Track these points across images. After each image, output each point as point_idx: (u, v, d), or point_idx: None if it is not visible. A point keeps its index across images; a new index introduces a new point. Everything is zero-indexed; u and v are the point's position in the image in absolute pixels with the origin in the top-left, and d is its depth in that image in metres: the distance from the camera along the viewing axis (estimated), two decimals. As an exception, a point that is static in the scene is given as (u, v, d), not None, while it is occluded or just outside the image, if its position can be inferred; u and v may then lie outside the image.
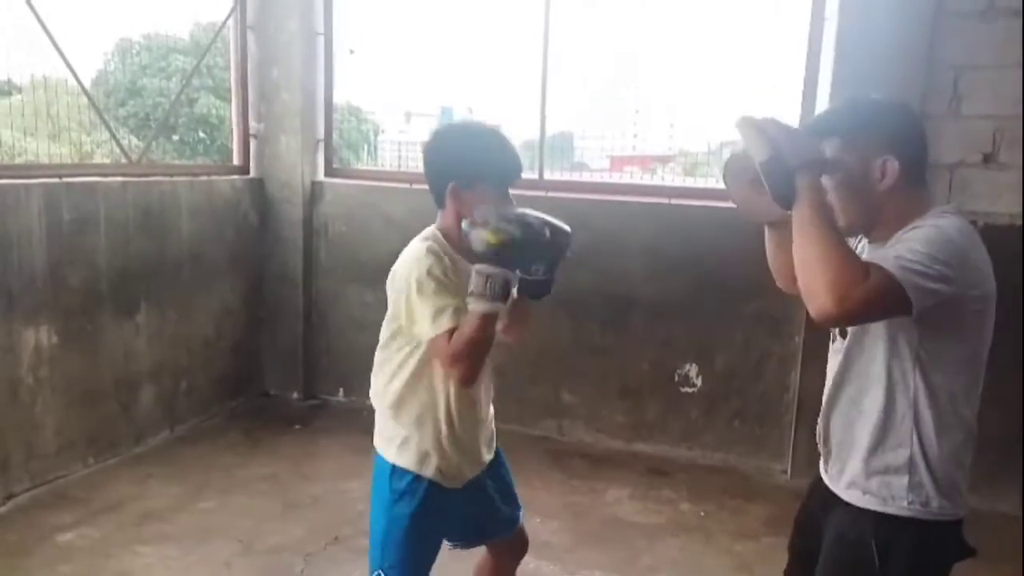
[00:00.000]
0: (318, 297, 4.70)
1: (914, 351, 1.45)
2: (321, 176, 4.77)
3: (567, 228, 1.77)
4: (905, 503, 1.49)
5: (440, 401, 1.84)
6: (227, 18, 4.53)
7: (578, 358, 4.27)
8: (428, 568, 1.92)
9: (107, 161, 4.45)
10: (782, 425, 3.98)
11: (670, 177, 4.76)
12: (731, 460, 4.08)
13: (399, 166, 5.24)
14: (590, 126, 5.73)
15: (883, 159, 1.47)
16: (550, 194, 4.31)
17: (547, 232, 1.67)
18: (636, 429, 4.22)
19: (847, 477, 1.57)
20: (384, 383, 1.88)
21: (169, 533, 3.18)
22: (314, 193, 4.71)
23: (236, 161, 4.70)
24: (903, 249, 1.37)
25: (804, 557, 1.72)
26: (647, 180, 4.59)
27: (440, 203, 1.83)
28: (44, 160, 3.79)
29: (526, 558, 3.03)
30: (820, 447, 1.67)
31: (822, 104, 3.75)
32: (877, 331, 1.49)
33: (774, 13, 4.21)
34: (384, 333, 1.88)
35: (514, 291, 1.71)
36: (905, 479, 1.49)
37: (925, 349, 1.45)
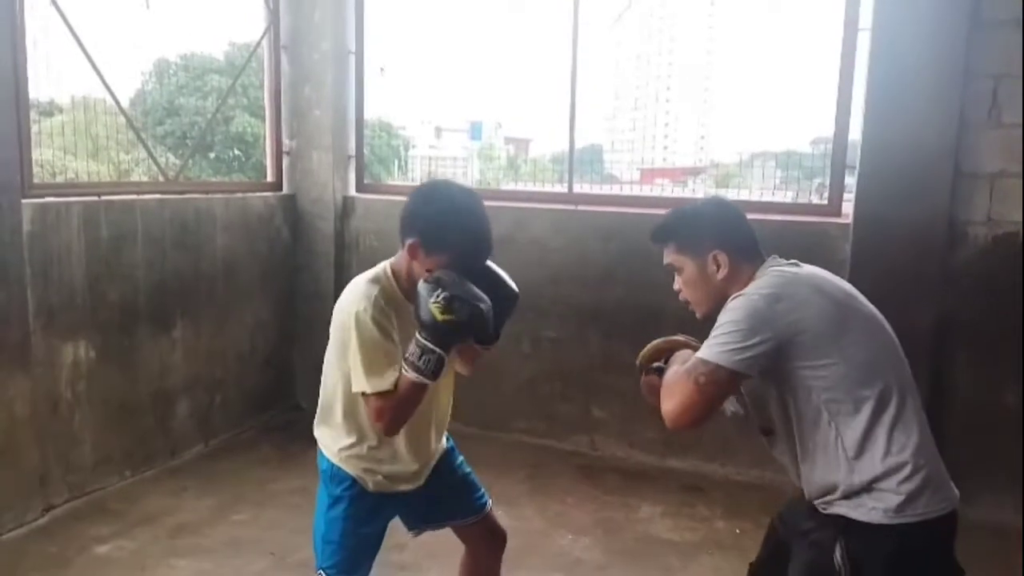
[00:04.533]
0: (349, 311, 4.72)
1: (800, 393, 1.58)
2: (352, 191, 4.82)
3: (514, 289, 1.89)
4: (866, 509, 1.54)
5: (375, 436, 1.91)
6: (261, 38, 4.62)
7: (609, 373, 4.23)
8: (368, 562, 2.02)
9: (145, 179, 4.55)
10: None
11: (701, 189, 4.73)
12: (767, 476, 4.00)
13: (429, 181, 5.27)
14: (620, 139, 5.72)
15: (712, 254, 1.72)
16: (579, 207, 4.31)
17: (488, 314, 1.69)
18: (669, 445, 4.17)
19: (818, 500, 1.66)
20: (332, 410, 1.97)
21: (203, 546, 3.20)
22: (345, 208, 4.76)
23: (269, 178, 4.77)
24: (714, 330, 1.59)
25: (776, 556, 1.81)
26: (678, 192, 4.56)
27: (403, 243, 1.83)
28: (84, 178, 3.87)
29: (558, 575, 3.02)
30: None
31: (856, 116, 3.70)
32: (772, 394, 1.66)
33: (807, 24, 4.17)
34: (332, 374, 1.92)
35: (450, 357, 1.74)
36: (864, 495, 1.55)
37: (810, 383, 1.56)
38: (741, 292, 1.61)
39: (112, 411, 3.67)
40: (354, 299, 1.80)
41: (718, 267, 1.71)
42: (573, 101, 4.35)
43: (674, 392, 1.58)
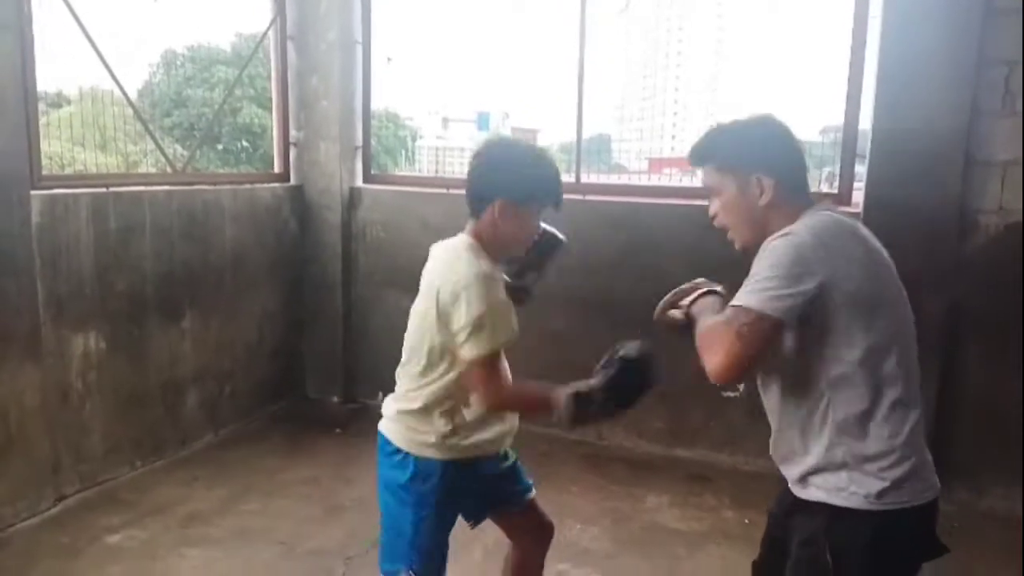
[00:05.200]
0: (357, 301, 4.74)
1: (812, 353, 1.50)
2: (359, 182, 4.81)
3: (562, 238, 1.97)
4: (847, 493, 1.50)
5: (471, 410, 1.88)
6: (267, 29, 4.61)
7: (617, 362, 4.23)
8: (446, 551, 1.98)
9: (153, 170, 4.56)
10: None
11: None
12: (775, 466, 3.99)
13: (436, 171, 5.27)
14: (628, 128, 5.71)
15: (756, 177, 1.57)
16: (587, 197, 4.29)
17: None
18: (676, 434, 4.17)
19: (794, 476, 1.63)
20: (420, 389, 1.89)
21: (213, 535, 3.23)
22: (352, 199, 4.76)
23: (277, 168, 4.77)
24: (753, 274, 1.48)
25: (773, 553, 1.77)
26: (686, 182, 4.54)
27: (477, 213, 1.83)
28: (92, 170, 3.88)
29: (565, 565, 3.03)
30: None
31: (866, 105, 3.67)
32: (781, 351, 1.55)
33: (816, 12, 4.13)
34: (429, 355, 1.84)
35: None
36: (843, 473, 1.51)
37: (823, 344, 1.48)
38: (785, 231, 1.48)
39: (122, 401, 3.69)
40: (465, 266, 1.76)
41: (761, 191, 1.57)
42: (581, 91, 4.33)
43: (714, 346, 1.45)
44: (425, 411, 1.87)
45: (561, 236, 1.97)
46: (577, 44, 4.29)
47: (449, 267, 1.80)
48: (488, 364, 1.75)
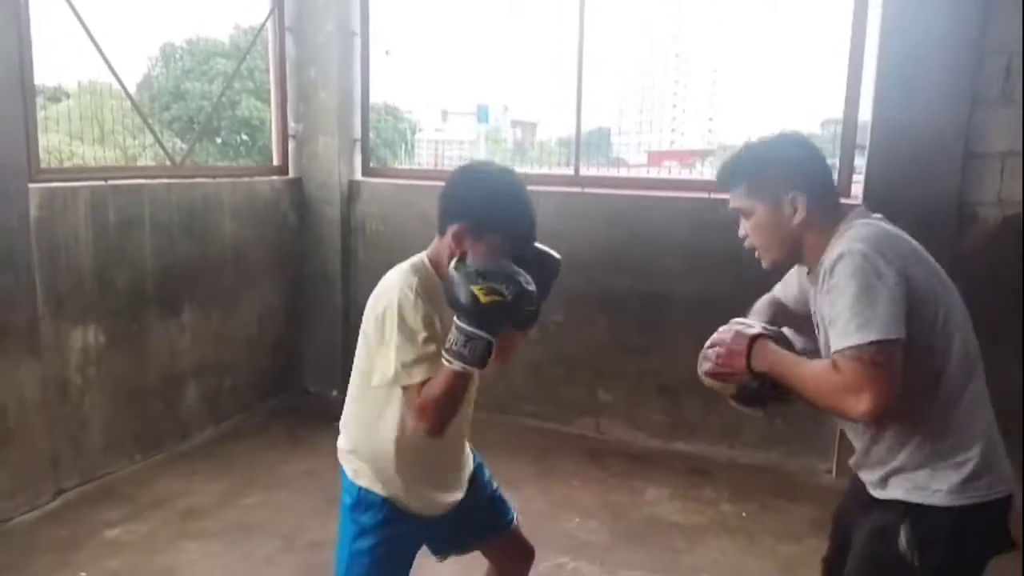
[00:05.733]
0: (357, 295, 4.74)
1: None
2: (358, 175, 4.81)
3: (557, 258, 1.78)
4: (928, 491, 1.49)
5: (408, 445, 1.76)
6: (265, 20, 4.59)
7: (615, 356, 4.23)
8: None
9: (152, 164, 4.55)
10: (826, 423, 3.90)
11: (710, 171, 4.70)
12: (773, 459, 4.00)
13: (436, 164, 5.26)
14: (628, 121, 5.69)
15: (790, 195, 1.56)
16: (586, 190, 4.28)
17: (533, 291, 1.57)
18: (675, 427, 4.17)
19: (874, 479, 1.60)
20: (363, 416, 1.83)
21: (213, 529, 3.23)
22: (352, 192, 4.75)
23: (275, 161, 4.76)
24: (839, 312, 1.41)
25: (842, 549, 1.73)
26: (686, 175, 4.53)
27: (441, 231, 1.74)
28: (92, 164, 3.88)
29: (564, 557, 3.04)
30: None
31: (866, 97, 3.66)
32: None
33: (816, 3, 4.12)
34: (366, 369, 1.76)
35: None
36: (924, 471, 1.50)
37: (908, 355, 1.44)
38: (839, 253, 1.45)
39: (121, 395, 3.70)
40: (393, 287, 1.69)
41: (795, 211, 1.56)
42: (580, 83, 4.32)
43: (853, 390, 1.38)
44: (375, 433, 1.80)
45: (557, 256, 1.82)
46: (576, 36, 4.27)
47: (383, 285, 1.75)
48: (413, 390, 1.63)
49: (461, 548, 2.05)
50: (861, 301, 1.39)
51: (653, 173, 4.66)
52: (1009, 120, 3.36)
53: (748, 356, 1.59)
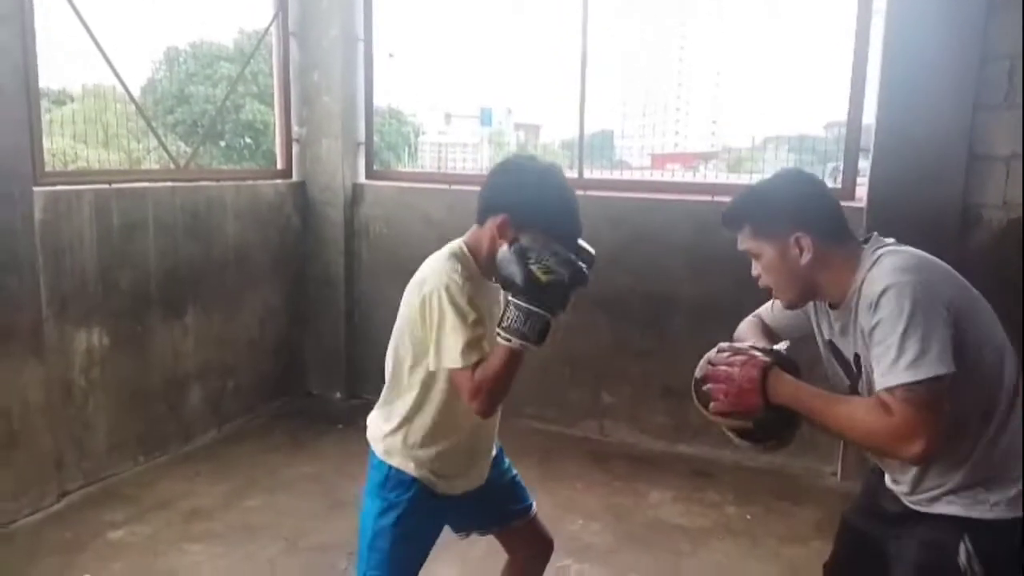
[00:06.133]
0: (360, 297, 4.74)
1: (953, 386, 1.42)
2: (362, 178, 4.81)
3: (591, 251, 1.85)
4: (988, 505, 1.45)
5: (451, 426, 1.82)
6: (269, 25, 4.60)
7: (618, 358, 4.23)
8: (415, 572, 1.91)
9: (156, 167, 4.56)
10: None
11: (713, 174, 4.70)
12: (778, 462, 3.99)
13: (439, 167, 5.27)
14: (631, 124, 5.69)
15: (795, 237, 1.52)
16: (589, 193, 4.28)
17: (584, 271, 1.65)
18: (679, 430, 4.16)
19: (919, 498, 1.54)
20: (399, 400, 1.87)
21: (216, 531, 3.23)
22: (355, 195, 4.76)
23: (279, 165, 4.77)
24: (888, 346, 1.37)
25: (853, 558, 1.70)
26: (689, 177, 4.53)
27: (481, 221, 1.78)
28: (96, 167, 3.89)
29: (568, 560, 3.03)
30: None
31: (870, 99, 3.66)
32: None
33: (821, 6, 4.12)
34: (405, 364, 1.81)
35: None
36: (979, 488, 1.46)
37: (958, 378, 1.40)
38: (882, 288, 1.39)
39: (125, 397, 3.70)
40: (437, 273, 1.71)
41: (801, 251, 1.52)
42: (583, 86, 4.32)
43: (906, 433, 1.35)
44: (410, 416, 1.85)
45: (591, 250, 1.87)
46: (580, 39, 4.28)
47: (424, 271, 1.77)
48: (467, 372, 1.65)
49: (482, 529, 2.08)
50: (912, 336, 1.35)
51: (656, 176, 4.65)
52: (1012, 124, 3.35)
53: (763, 391, 1.53)
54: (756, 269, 1.62)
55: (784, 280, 1.58)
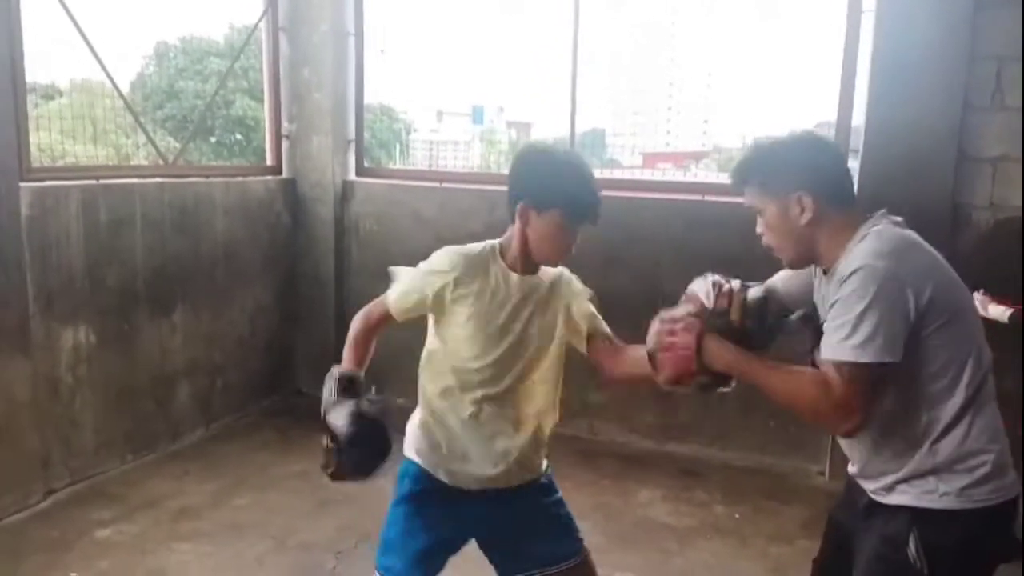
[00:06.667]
0: (350, 295, 4.73)
1: (907, 376, 1.46)
2: (352, 176, 4.80)
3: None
4: (937, 495, 1.48)
5: (438, 391, 1.88)
6: (259, 20, 4.58)
7: (610, 357, 4.23)
8: (415, 548, 1.85)
9: (145, 163, 4.53)
10: (819, 425, 3.90)
11: (704, 173, 4.71)
12: (766, 461, 4.01)
13: (430, 164, 5.25)
14: (622, 123, 5.69)
15: (796, 195, 1.54)
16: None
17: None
18: (668, 429, 4.17)
19: (877, 486, 1.58)
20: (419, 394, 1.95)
21: (204, 529, 3.22)
22: (345, 192, 4.74)
23: (269, 161, 4.75)
24: (843, 323, 1.42)
25: (837, 552, 1.72)
26: (680, 177, 4.54)
27: (512, 217, 1.80)
28: (84, 162, 3.86)
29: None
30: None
31: (860, 99, 3.67)
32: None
33: (810, 7, 4.13)
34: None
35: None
36: (932, 477, 1.48)
37: (915, 370, 1.46)
38: (855, 267, 1.44)
39: (113, 395, 3.68)
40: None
41: (801, 210, 1.54)
42: (575, 85, 4.32)
43: (843, 407, 1.42)
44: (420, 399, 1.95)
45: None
46: (571, 38, 4.28)
47: None
48: (378, 306, 1.91)
49: (526, 568, 1.92)
50: (867, 320, 1.39)
51: (647, 175, 4.66)
52: (1000, 124, 3.38)
53: (698, 357, 1.60)
54: (760, 226, 1.64)
55: (784, 238, 1.60)
